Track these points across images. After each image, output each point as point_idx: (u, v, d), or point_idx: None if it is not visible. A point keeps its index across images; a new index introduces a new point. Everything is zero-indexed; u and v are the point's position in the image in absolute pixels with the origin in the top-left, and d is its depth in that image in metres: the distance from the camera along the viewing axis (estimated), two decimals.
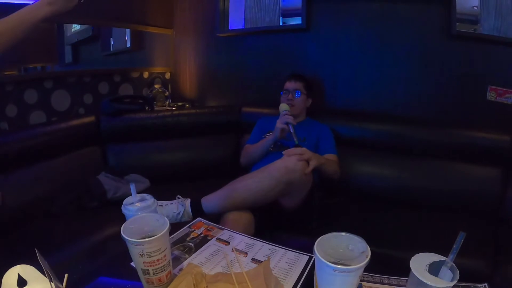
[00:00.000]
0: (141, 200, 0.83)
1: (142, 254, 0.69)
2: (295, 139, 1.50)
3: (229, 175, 1.94)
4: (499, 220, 1.51)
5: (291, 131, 1.53)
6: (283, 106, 1.70)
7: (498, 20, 1.69)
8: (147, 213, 0.79)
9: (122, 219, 1.52)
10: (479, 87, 1.78)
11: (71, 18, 1.96)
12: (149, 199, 0.83)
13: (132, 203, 0.82)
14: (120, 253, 1.13)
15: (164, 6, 2.54)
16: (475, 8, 1.73)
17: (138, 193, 1.70)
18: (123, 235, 0.69)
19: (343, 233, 0.67)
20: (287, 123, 1.55)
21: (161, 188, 1.77)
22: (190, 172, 1.96)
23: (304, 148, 1.35)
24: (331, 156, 1.65)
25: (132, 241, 0.67)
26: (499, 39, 1.69)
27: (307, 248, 1.32)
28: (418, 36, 1.87)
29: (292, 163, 1.24)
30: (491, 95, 1.76)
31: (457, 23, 1.73)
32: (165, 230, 0.70)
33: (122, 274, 0.84)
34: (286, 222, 1.39)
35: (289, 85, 1.86)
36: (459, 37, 1.76)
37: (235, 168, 1.97)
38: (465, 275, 0.69)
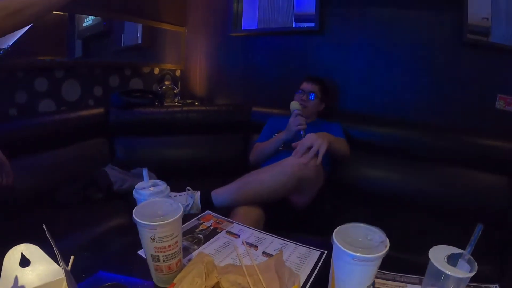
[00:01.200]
0: (154, 185, 0.81)
1: (154, 239, 0.66)
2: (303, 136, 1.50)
3: (238, 173, 1.92)
4: (506, 227, 1.48)
5: (302, 134, 1.53)
6: (295, 105, 1.68)
7: (509, 29, 1.68)
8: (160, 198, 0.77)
9: (127, 211, 1.50)
10: (488, 95, 1.76)
11: (84, 9, 1.95)
12: (162, 185, 0.81)
13: (144, 188, 0.79)
14: (125, 246, 1.12)
15: (177, 4, 2.54)
16: (485, 19, 1.72)
17: None
18: (135, 217, 0.66)
19: (362, 224, 0.66)
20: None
21: (168, 183, 1.76)
22: (196, 169, 1.94)
23: (310, 137, 1.30)
24: (340, 138, 1.64)
25: (145, 224, 0.65)
26: (509, 48, 1.67)
27: (318, 246, 1.30)
28: (429, 42, 1.86)
29: (306, 159, 1.22)
30: (500, 104, 1.74)
31: (468, 34, 1.72)
32: (179, 215, 0.68)
33: (127, 269, 0.82)
34: (296, 221, 1.36)
35: (306, 86, 1.86)
36: (470, 45, 1.75)
37: (243, 167, 1.94)
38: (472, 279, 0.67)
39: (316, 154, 1.27)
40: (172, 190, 1.63)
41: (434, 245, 1.30)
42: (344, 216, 1.50)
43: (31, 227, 1.26)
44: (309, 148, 1.27)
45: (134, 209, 0.70)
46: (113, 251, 1.23)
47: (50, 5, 0.95)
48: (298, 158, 1.25)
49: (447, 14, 1.79)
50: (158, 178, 1.77)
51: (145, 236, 0.67)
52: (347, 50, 2.07)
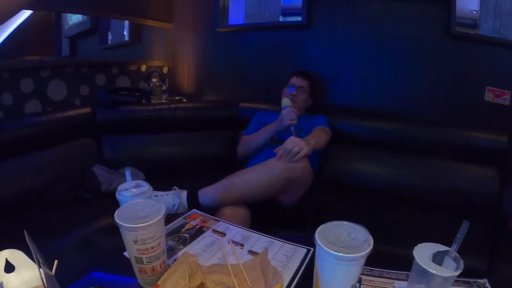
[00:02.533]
0: (136, 186, 0.80)
1: (136, 241, 0.67)
2: (294, 135, 1.50)
3: (226, 170, 1.91)
4: (496, 218, 1.52)
5: (292, 129, 1.53)
6: (286, 101, 1.67)
7: (497, 21, 1.70)
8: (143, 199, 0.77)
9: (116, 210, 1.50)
10: (477, 87, 1.78)
11: (70, 7, 1.92)
12: (145, 186, 0.81)
13: (127, 189, 0.79)
14: (114, 247, 1.12)
15: (164, 0, 2.51)
16: (474, 12, 1.74)
17: None
18: (116, 220, 0.66)
19: (345, 222, 0.66)
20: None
21: (156, 181, 1.75)
22: (185, 166, 1.94)
23: (293, 140, 1.28)
24: (319, 128, 1.65)
25: (126, 226, 0.65)
26: (497, 40, 1.70)
27: (305, 243, 1.31)
28: (418, 35, 1.87)
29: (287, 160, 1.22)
30: (489, 96, 1.77)
31: (456, 27, 1.74)
32: (160, 216, 0.68)
33: (115, 269, 0.82)
34: (283, 219, 1.37)
35: (295, 81, 1.86)
36: (459, 38, 1.77)
37: (231, 163, 1.95)
38: (462, 273, 0.68)
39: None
40: (160, 188, 1.65)
41: (423, 239, 1.32)
42: (332, 212, 1.52)
43: (20, 229, 1.27)
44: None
45: (116, 211, 0.70)
46: (102, 251, 1.24)
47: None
48: (278, 160, 1.25)
49: (435, 8, 1.80)
50: (146, 176, 1.79)
51: (128, 238, 0.67)
52: (335, 44, 2.07)
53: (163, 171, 1.87)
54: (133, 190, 0.78)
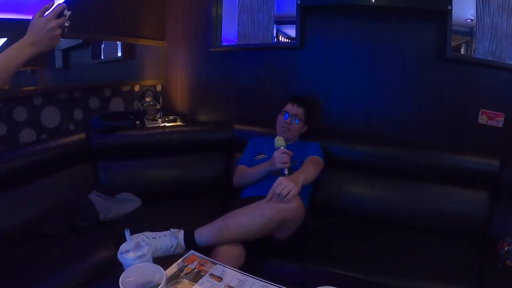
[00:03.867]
0: (136, 246, 0.84)
1: None
2: (286, 172, 1.51)
3: (221, 193, 1.98)
4: (485, 243, 1.55)
5: (285, 173, 1.50)
6: (279, 141, 1.62)
7: (493, 43, 1.73)
8: (143, 262, 0.81)
9: (115, 240, 1.54)
10: (471, 110, 1.82)
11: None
12: (144, 247, 0.85)
13: (128, 250, 0.83)
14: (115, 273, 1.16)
15: (156, 18, 2.53)
16: (468, 20, 1.76)
17: (129, 213, 1.72)
18: None
19: None
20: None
21: (153, 207, 1.80)
22: (181, 190, 1.97)
23: (281, 182, 1.29)
24: (311, 159, 1.66)
25: None
26: (492, 63, 1.73)
27: (299, 277, 1.36)
28: (412, 57, 1.91)
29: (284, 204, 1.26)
30: (482, 118, 1.81)
31: (452, 34, 1.76)
32: (162, 284, 0.72)
33: None
34: (277, 251, 1.42)
35: (291, 108, 1.85)
36: (453, 61, 1.80)
37: (226, 186, 2.00)
38: None
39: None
40: (157, 215, 1.69)
41: (415, 267, 1.38)
42: (325, 240, 1.58)
43: (19, 266, 1.30)
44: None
45: (121, 277, 0.74)
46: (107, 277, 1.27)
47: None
48: (268, 203, 1.28)
49: (430, 29, 1.84)
50: (143, 201, 1.83)
51: None
52: (328, 66, 2.10)
53: (159, 195, 1.91)
54: (131, 254, 0.82)
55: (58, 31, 1.03)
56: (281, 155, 1.54)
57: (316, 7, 2.06)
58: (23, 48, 1.00)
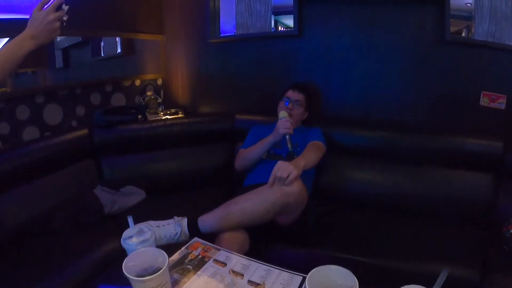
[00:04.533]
0: (139, 232, 0.85)
1: None
2: (289, 146, 1.57)
3: (224, 183, 1.99)
4: (489, 226, 1.54)
5: (286, 138, 1.58)
6: (283, 113, 1.72)
7: (492, 25, 1.70)
8: (146, 247, 0.82)
9: (120, 233, 1.55)
10: (472, 92, 1.80)
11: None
12: (147, 232, 0.86)
13: (131, 236, 0.84)
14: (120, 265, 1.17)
15: (154, 12, 2.52)
16: (468, 4, 1.74)
17: (134, 206, 1.73)
18: (125, 273, 0.72)
19: (333, 266, 0.71)
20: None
21: (157, 199, 1.81)
22: (185, 181, 1.98)
23: (280, 165, 1.30)
24: (312, 144, 1.68)
25: (135, 279, 0.70)
26: (492, 44, 1.71)
27: (303, 261, 1.36)
28: (411, 41, 1.89)
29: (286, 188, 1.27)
30: (484, 101, 1.78)
31: (450, 20, 1.74)
32: (165, 267, 0.73)
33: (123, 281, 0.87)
34: (281, 236, 1.43)
35: (292, 94, 1.88)
36: (453, 43, 1.78)
37: (229, 176, 2.01)
38: (455, 283, 0.72)
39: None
40: (162, 206, 1.71)
41: (419, 250, 1.37)
42: (329, 226, 1.58)
43: (27, 262, 1.32)
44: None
45: (124, 262, 0.75)
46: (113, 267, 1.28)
47: (2, 74, 0.99)
48: (270, 187, 1.29)
49: (429, 12, 1.81)
50: (147, 194, 1.84)
51: (137, 287, 0.73)
52: (327, 52, 2.09)
53: (163, 187, 1.93)
54: (134, 239, 0.83)
55: (57, 24, 1.05)
56: (284, 121, 1.60)
57: None
58: (24, 41, 1.02)
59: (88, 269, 1.35)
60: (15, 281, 1.21)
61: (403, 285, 0.65)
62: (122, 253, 1.41)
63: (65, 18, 1.08)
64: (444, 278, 0.64)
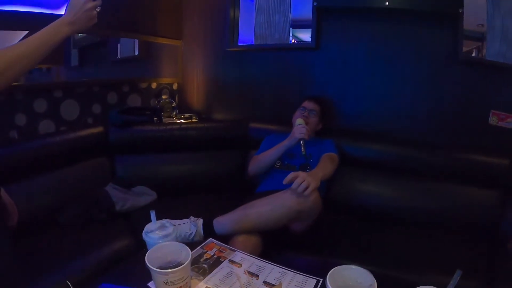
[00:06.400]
0: (161, 227, 0.86)
1: (167, 282, 0.72)
2: (302, 151, 1.60)
3: (235, 189, 1.99)
4: (496, 241, 1.55)
5: (301, 143, 1.61)
6: (300, 121, 1.76)
7: (504, 45, 1.73)
8: (169, 241, 0.82)
9: (130, 231, 1.55)
10: (482, 111, 1.83)
11: None
12: (169, 227, 0.86)
13: (153, 230, 0.85)
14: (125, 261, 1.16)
15: (173, 17, 2.57)
16: (480, 25, 1.77)
17: (145, 206, 1.73)
18: (148, 264, 0.72)
19: (353, 266, 0.72)
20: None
21: (168, 201, 1.81)
22: (196, 185, 1.98)
23: (301, 174, 1.31)
24: (327, 156, 1.70)
25: (158, 271, 0.70)
26: (503, 65, 1.74)
27: (314, 268, 1.35)
28: (425, 58, 1.92)
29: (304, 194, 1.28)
30: (493, 120, 1.81)
31: (463, 36, 1.77)
32: (188, 261, 0.73)
33: (125, 281, 0.87)
34: (292, 243, 1.43)
35: (308, 104, 1.93)
36: (465, 62, 1.82)
37: (241, 183, 2.02)
38: None
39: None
40: (173, 208, 1.71)
41: (428, 262, 1.37)
42: (340, 236, 1.57)
43: (38, 254, 1.31)
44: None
45: (147, 254, 0.75)
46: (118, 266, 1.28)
47: (29, 63, 0.97)
48: (289, 194, 1.30)
49: (443, 30, 1.85)
50: (158, 195, 1.84)
51: (159, 280, 0.73)
52: (343, 66, 2.12)
53: (174, 190, 1.93)
54: (157, 233, 0.83)
55: (95, 12, 1.07)
56: (300, 127, 1.65)
57: (331, 9, 2.09)
58: (62, 27, 1.02)
59: (98, 264, 1.34)
60: (25, 272, 1.20)
61: None
62: (128, 253, 1.41)
63: (97, 10, 1.09)
64: (458, 278, 0.65)
